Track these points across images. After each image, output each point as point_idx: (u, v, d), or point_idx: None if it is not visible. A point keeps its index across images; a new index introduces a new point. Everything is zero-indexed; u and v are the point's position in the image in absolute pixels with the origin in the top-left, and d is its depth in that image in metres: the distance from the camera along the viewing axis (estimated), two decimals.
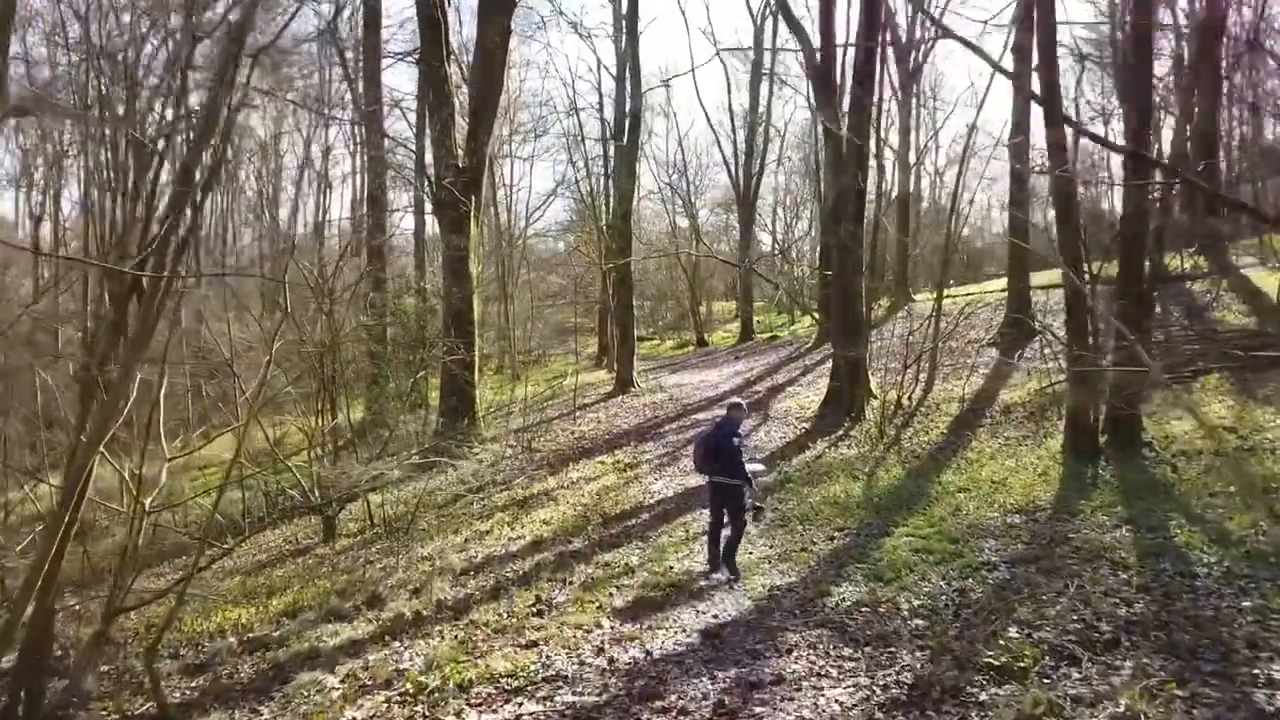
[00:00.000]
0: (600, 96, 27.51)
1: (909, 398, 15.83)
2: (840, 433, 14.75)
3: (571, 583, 8.16)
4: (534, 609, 7.26)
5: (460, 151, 16.25)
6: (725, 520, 7.95)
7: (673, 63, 77.37)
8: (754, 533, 9.12)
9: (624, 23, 21.78)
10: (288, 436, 14.25)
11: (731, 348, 29.20)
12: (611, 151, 26.66)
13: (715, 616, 6.85)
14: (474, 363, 16.59)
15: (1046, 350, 18.24)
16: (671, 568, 8.44)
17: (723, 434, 7.74)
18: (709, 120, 28.69)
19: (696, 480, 12.72)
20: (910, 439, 13.75)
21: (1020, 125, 18.93)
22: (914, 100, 26.07)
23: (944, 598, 6.51)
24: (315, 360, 11.87)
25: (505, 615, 7.19)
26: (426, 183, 16.63)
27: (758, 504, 8.57)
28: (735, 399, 8.74)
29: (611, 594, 7.61)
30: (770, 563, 8.39)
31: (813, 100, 27.30)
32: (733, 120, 30.10)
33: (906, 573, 7.21)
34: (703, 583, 7.86)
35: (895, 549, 8.00)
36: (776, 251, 33.36)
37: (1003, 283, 24.28)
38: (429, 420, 17.00)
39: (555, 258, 31.97)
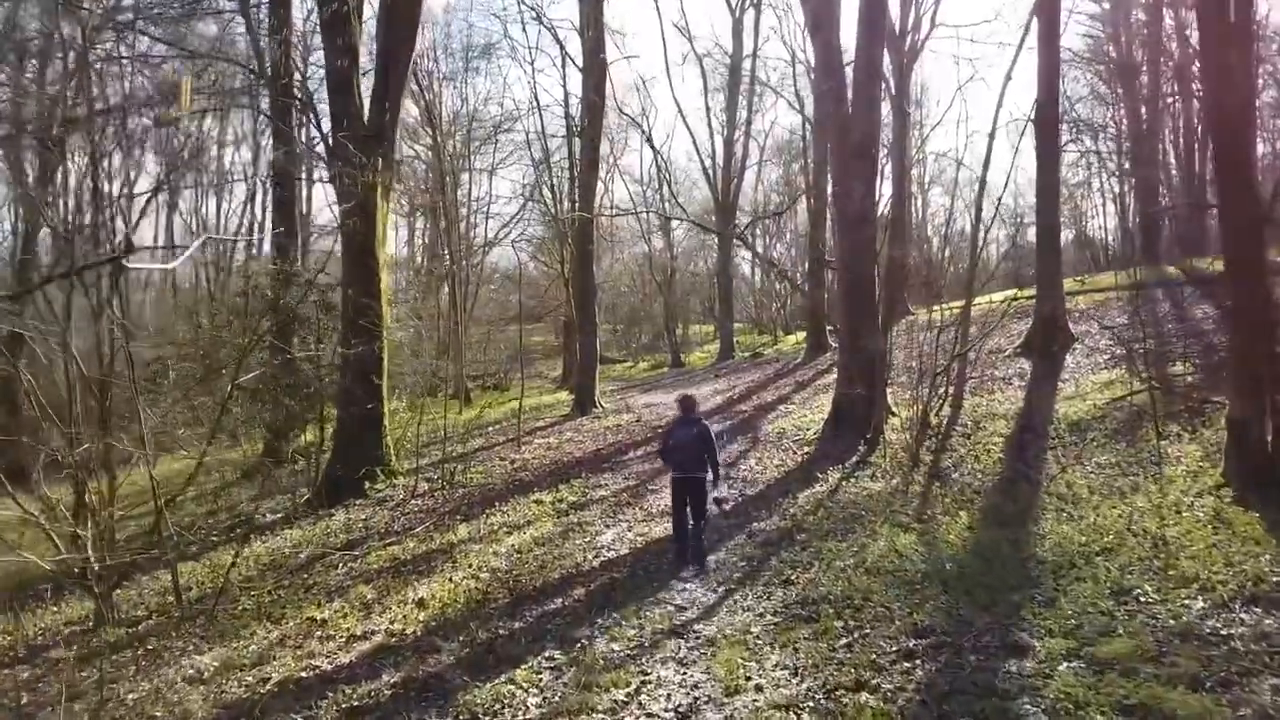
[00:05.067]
0: (565, 93, 23.53)
1: (937, 414, 11.48)
2: (855, 459, 10.32)
3: None
4: None
5: (364, 104, 11.91)
6: (687, 507, 7.00)
7: (647, 62, 74.18)
8: (750, 608, 4.78)
9: None
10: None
11: (710, 366, 24.76)
12: (578, 150, 22.51)
13: None
14: (382, 375, 12.03)
15: (1093, 357, 14.15)
16: None
17: (704, 429, 7.10)
18: (684, 121, 25.12)
19: (663, 528, 8.24)
20: (955, 467, 9.37)
21: (1049, 98, 14.94)
22: (907, 99, 22.14)
23: None
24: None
25: None
26: (326, 144, 12.21)
27: (721, 501, 7.74)
28: (682, 392, 8.04)
29: None
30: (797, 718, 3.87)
31: (799, 97, 23.43)
32: (710, 122, 26.17)
33: None
34: None
35: (1074, 704, 3.51)
36: (764, 217, 28.65)
37: (1005, 295, 20.37)
38: (322, 451, 12.32)
39: (520, 273, 27.70)
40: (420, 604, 6.53)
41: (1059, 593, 5.05)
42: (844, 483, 9.35)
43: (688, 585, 6.42)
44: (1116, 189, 36.05)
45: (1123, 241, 28.31)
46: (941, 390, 11.52)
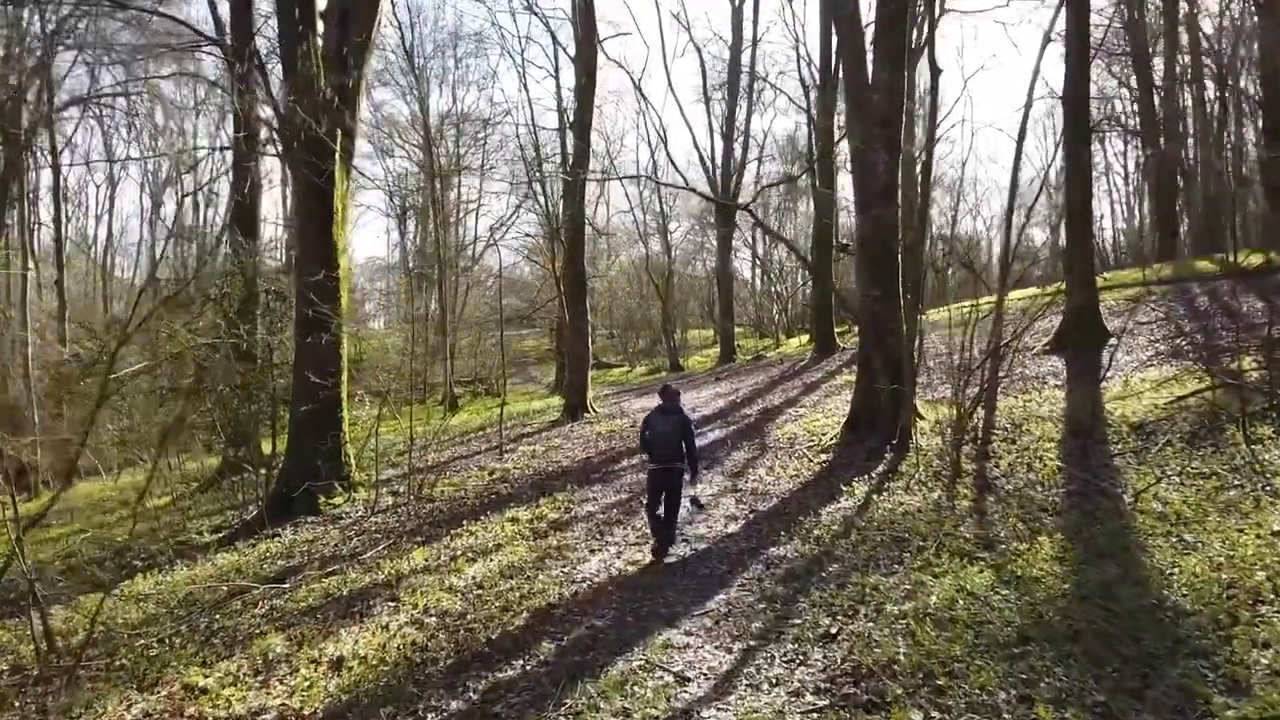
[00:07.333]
0: (558, 84, 21.93)
1: (970, 415, 9.75)
2: (883, 467, 8.63)
3: None
4: None
5: (320, 70, 10.26)
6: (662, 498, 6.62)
7: (644, 59, 72.12)
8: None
9: None
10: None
11: (710, 369, 23.03)
12: (570, 144, 20.99)
13: None
14: (340, 372, 10.33)
15: (1135, 354, 12.49)
16: None
17: (683, 418, 6.70)
18: (684, 116, 23.60)
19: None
20: (1006, 477, 7.65)
21: (1080, 74, 13.39)
22: (920, 75, 20.42)
23: None
24: None
25: None
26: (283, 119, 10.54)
27: (696, 499, 7.08)
28: (665, 384, 7.62)
29: None
30: None
31: (804, 85, 21.82)
32: (710, 121, 24.58)
33: None
34: None
35: None
36: (772, 185, 26.57)
37: (1026, 293, 18.73)
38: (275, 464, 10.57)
39: (501, 269, 26.05)
40: (337, 665, 4.80)
41: (1239, 666, 3.35)
42: (874, 496, 7.64)
43: (691, 639, 4.70)
44: (1123, 188, 34.63)
45: (1141, 237, 26.73)
46: (982, 388, 9.84)
